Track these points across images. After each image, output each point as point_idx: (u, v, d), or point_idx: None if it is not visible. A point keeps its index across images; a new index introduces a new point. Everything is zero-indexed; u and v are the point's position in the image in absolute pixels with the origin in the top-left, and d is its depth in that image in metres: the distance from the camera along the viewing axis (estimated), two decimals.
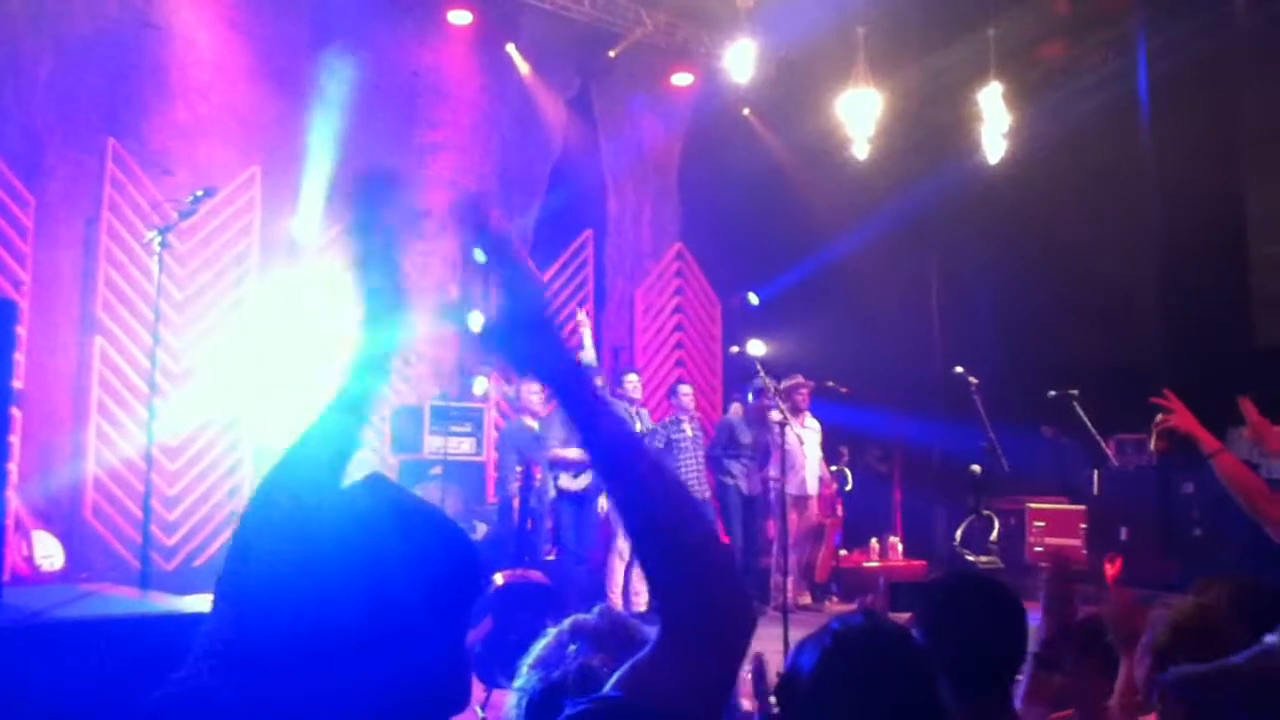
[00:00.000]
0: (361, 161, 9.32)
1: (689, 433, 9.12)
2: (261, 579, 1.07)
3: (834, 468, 9.67)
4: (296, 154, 9.07)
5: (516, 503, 7.78)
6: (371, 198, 1.56)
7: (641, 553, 1.22)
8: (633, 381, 9.04)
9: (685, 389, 9.51)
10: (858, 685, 1.54)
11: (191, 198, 6.60)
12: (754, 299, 11.67)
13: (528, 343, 1.36)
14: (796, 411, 9.30)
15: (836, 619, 1.65)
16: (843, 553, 10.62)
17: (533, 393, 8.42)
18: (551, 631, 1.42)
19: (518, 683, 1.39)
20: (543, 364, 1.35)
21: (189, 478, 8.49)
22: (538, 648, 1.41)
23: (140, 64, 8.54)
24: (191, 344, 8.57)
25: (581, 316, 9.50)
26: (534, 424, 8.36)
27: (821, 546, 9.43)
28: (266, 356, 8.67)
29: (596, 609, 1.45)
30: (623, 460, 1.25)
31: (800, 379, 9.37)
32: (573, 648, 1.37)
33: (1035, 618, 2.71)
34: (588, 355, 9.32)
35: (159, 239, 6.52)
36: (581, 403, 1.31)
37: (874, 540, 10.47)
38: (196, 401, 8.49)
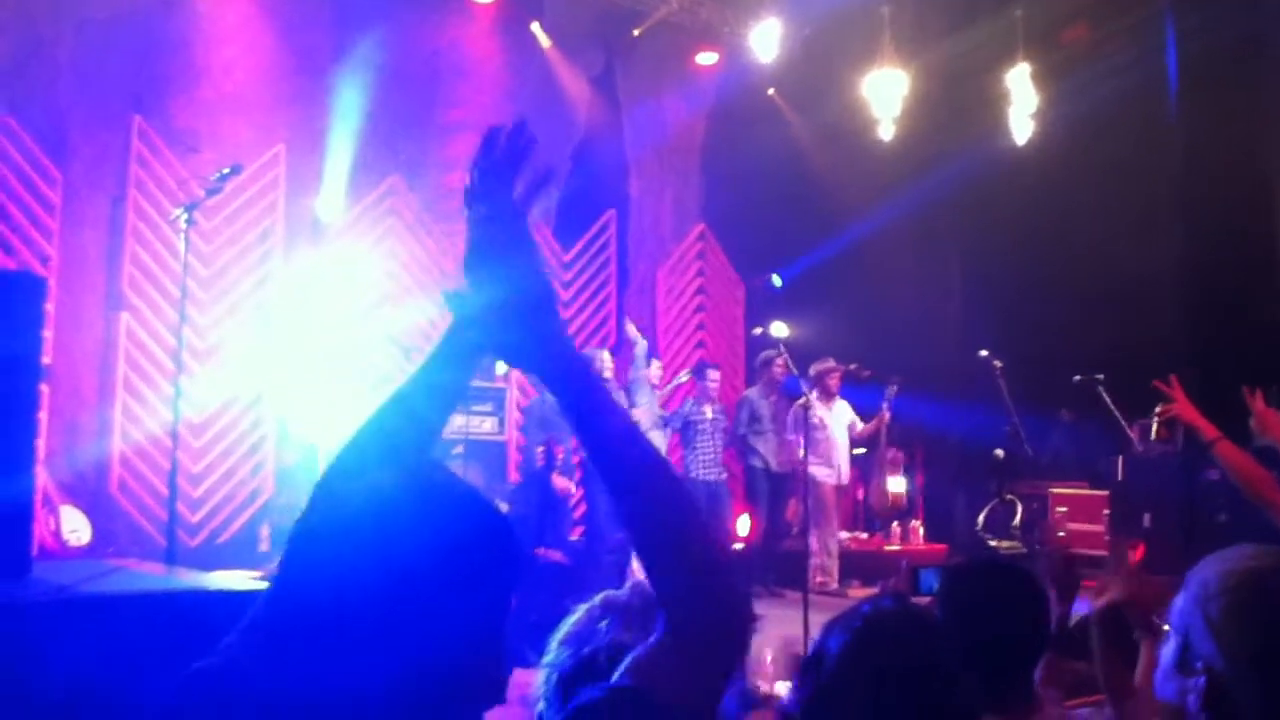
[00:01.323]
0: (383, 140, 9.35)
1: (709, 415, 9.11)
2: (291, 558, 1.07)
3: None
4: (320, 132, 9.10)
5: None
6: (506, 159, 1.39)
7: (644, 559, 1.19)
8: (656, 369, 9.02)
9: (714, 373, 9.49)
10: (887, 669, 1.54)
11: (218, 175, 6.64)
12: (777, 280, 11.63)
13: (525, 330, 1.24)
14: (828, 396, 9.28)
15: (866, 602, 1.65)
16: (864, 535, 10.63)
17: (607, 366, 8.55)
18: (582, 608, 1.41)
19: (547, 658, 1.39)
20: (540, 355, 1.25)
21: (214, 454, 8.56)
22: (568, 624, 1.41)
23: (165, 42, 8.56)
24: (216, 321, 8.63)
25: (632, 330, 9.52)
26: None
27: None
28: (291, 334, 8.72)
29: (628, 584, 1.45)
30: (626, 467, 1.20)
31: (832, 362, 9.31)
32: (604, 624, 1.37)
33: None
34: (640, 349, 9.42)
35: (185, 216, 6.56)
36: (581, 398, 1.24)
37: (895, 524, 10.45)
38: (221, 379, 8.55)
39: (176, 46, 8.61)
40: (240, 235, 8.82)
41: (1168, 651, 1.32)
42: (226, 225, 8.73)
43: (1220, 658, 1.21)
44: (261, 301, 8.82)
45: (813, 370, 9.12)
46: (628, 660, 1.15)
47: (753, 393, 9.54)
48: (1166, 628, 1.34)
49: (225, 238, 8.73)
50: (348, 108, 9.10)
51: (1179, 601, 1.30)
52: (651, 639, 1.14)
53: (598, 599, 1.42)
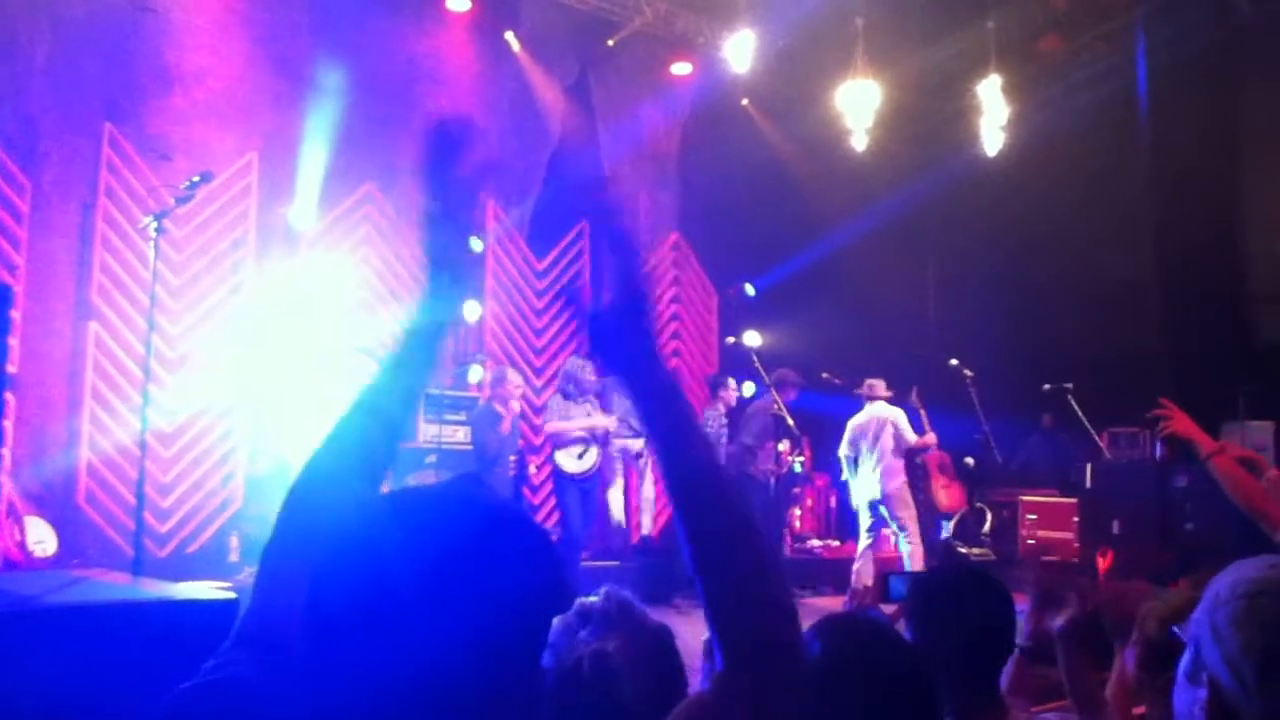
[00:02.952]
0: (357, 147, 9.31)
1: (713, 427, 9.11)
2: (273, 569, 1.04)
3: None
4: (294, 140, 9.05)
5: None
6: (445, 149, 1.40)
7: (711, 600, 1.15)
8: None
9: (732, 382, 9.49)
10: (847, 680, 1.55)
11: (188, 183, 6.58)
12: (751, 290, 11.67)
13: (629, 343, 1.23)
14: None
15: (825, 616, 1.66)
16: (835, 543, 10.66)
17: (516, 385, 8.47)
18: (557, 618, 1.38)
19: None
20: (640, 371, 1.23)
21: (183, 464, 8.48)
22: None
23: (138, 49, 8.50)
24: (187, 330, 8.56)
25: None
26: (501, 410, 8.31)
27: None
28: (262, 344, 8.66)
29: (602, 591, 1.43)
30: (707, 504, 1.15)
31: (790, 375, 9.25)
32: (584, 633, 1.35)
33: (1023, 610, 2.72)
34: None
35: (155, 224, 6.50)
36: (671, 424, 1.19)
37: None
38: (192, 388, 8.47)
39: (149, 53, 8.55)
40: (212, 244, 8.76)
41: (1183, 662, 1.31)
42: (198, 234, 8.67)
43: (1223, 667, 1.20)
44: (233, 311, 8.75)
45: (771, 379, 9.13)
46: (677, 711, 1.11)
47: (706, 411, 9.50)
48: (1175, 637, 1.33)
49: (196, 246, 8.66)
50: (322, 115, 9.06)
51: (1196, 611, 1.29)
52: (703, 690, 1.11)
53: (575, 608, 1.40)
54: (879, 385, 8.80)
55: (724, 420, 9.30)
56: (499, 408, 8.32)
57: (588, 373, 8.53)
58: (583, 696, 1.29)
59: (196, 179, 6.57)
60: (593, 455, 8.39)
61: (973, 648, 2.11)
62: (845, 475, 8.90)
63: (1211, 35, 9.47)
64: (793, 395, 9.07)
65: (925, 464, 9.79)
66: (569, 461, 8.38)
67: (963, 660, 2.10)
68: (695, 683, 3.04)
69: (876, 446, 8.42)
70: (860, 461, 8.49)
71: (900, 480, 8.39)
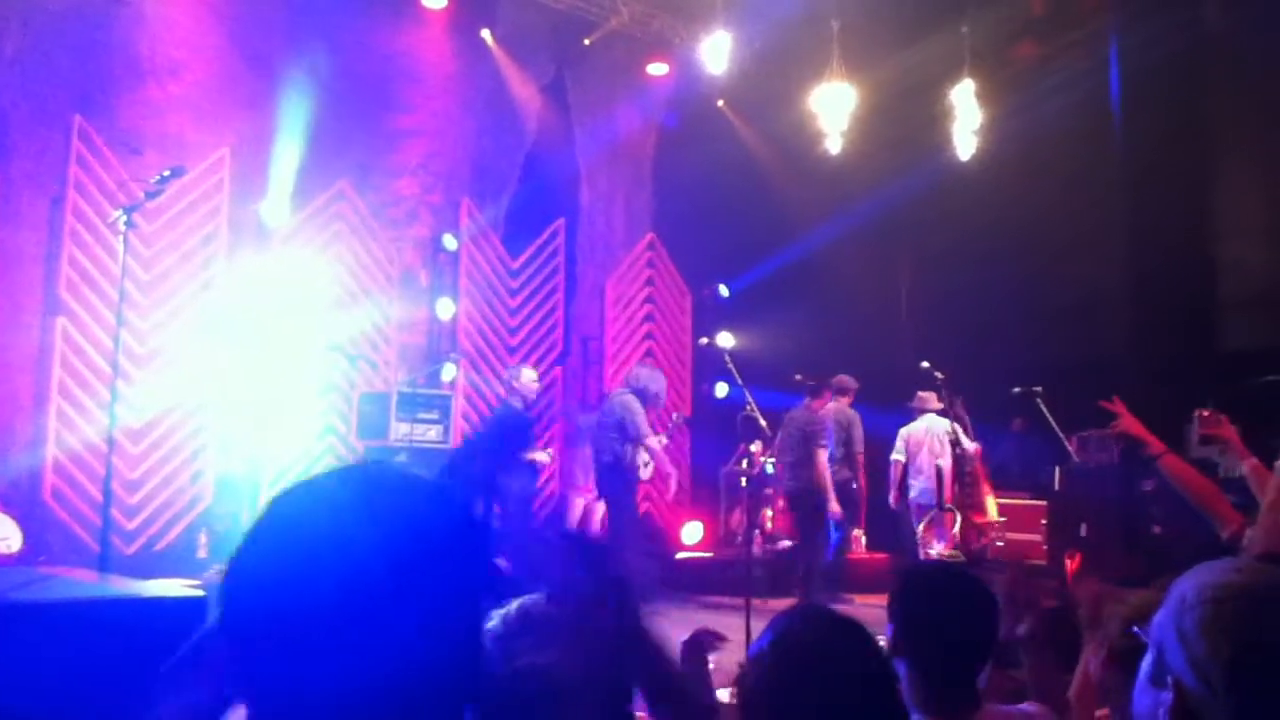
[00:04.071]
0: (331, 144, 9.25)
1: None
2: (242, 568, 1.02)
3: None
4: (267, 136, 8.99)
5: None
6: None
7: None
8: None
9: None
10: (817, 676, 1.56)
11: (159, 177, 6.54)
12: (725, 291, 11.70)
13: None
14: None
15: (782, 612, 1.68)
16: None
17: (533, 382, 8.61)
18: (498, 614, 1.33)
19: None
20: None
21: (151, 461, 8.41)
22: (486, 632, 1.33)
23: (110, 41, 8.42)
24: (157, 326, 8.48)
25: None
26: (518, 406, 8.44)
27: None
28: (233, 341, 8.60)
29: (545, 592, 1.38)
30: None
31: None
32: (523, 641, 1.29)
33: None
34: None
35: (125, 219, 6.44)
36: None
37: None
38: (161, 385, 8.40)
39: (121, 46, 8.47)
40: (183, 239, 8.69)
41: (1145, 664, 1.32)
42: (169, 229, 8.59)
43: (1189, 671, 1.21)
44: (204, 307, 8.68)
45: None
46: None
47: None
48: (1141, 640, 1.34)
49: (167, 242, 8.59)
50: (296, 111, 9.01)
51: (1159, 614, 1.30)
52: None
53: (514, 607, 1.34)
54: (931, 398, 9.28)
55: None
56: (516, 403, 8.42)
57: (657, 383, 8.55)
58: (521, 696, 1.24)
59: (168, 173, 6.53)
60: (651, 465, 8.52)
61: (953, 645, 2.13)
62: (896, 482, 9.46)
63: (1182, 43, 9.57)
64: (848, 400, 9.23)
65: (975, 474, 9.88)
66: (644, 470, 8.52)
67: (945, 659, 2.11)
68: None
69: (931, 457, 9.02)
70: (918, 470, 9.11)
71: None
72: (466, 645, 0.98)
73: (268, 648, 0.91)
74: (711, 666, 2.64)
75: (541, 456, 8.34)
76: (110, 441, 6.47)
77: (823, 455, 8.83)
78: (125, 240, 6.59)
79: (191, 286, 8.68)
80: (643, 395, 8.25)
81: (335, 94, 9.14)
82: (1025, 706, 2.32)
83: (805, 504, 8.83)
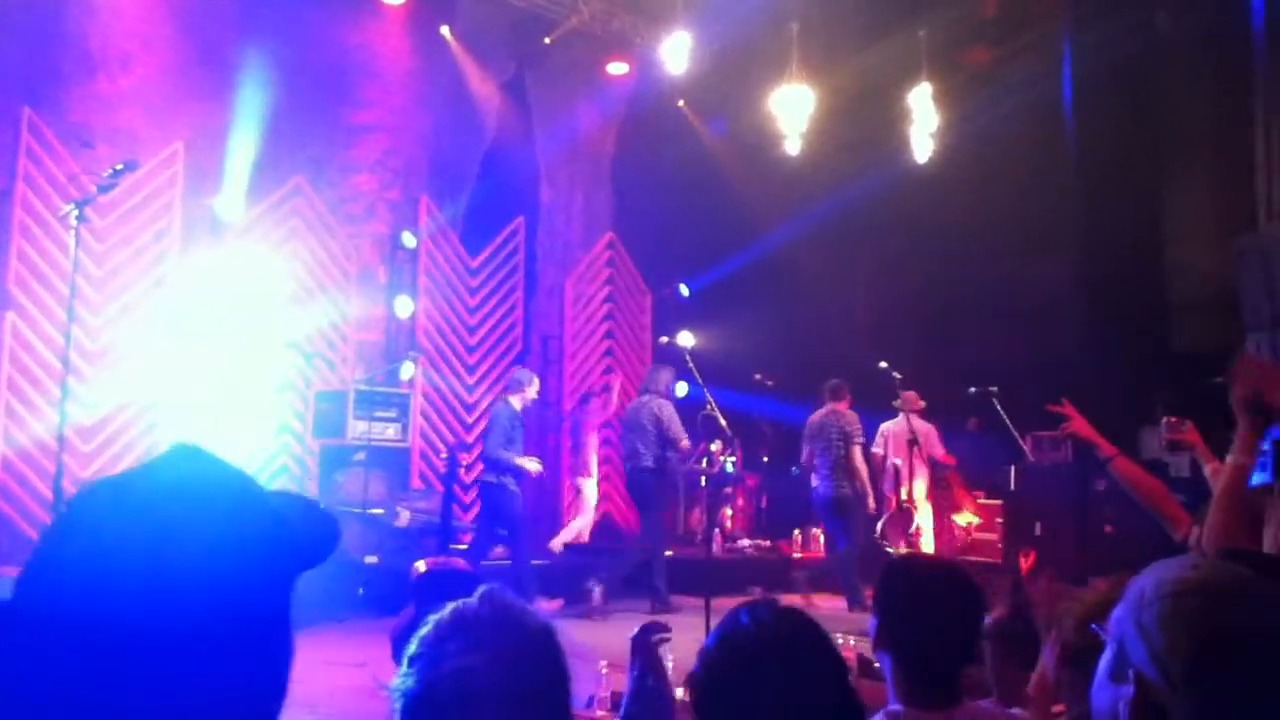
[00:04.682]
0: (287, 139, 9.15)
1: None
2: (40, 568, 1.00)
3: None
4: (222, 130, 8.87)
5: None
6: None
7: None
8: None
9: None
10: (769, 672, 1.57)
11: (111, 171, 6.43)
12: (685, 290, 11.73)
13: None
14: None
15: (741, 608, 1.68)
16: (765, 543, 10.75)
17: (533, 387, 8.58)
18: (432, 619, 1.31)
19: (395, 681, 1.27)
20: None
21: (104, 459, 8.27)
22: (416, 640, 1.28)
23: (59, 33, 8.27)
24: (109, 322, 8.35)
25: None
26: (516, 403, 8.37)
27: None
28: (187, 338, 8.48)
29: (479, 591, 1.35)
30: None
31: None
32: (451, 637, 1.26)
33: None
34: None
35: (76, 213, 6.34)
36: None
37: (796, 531, 10.60)
38: (113, 382, 8.27)
39: (72, 38, 8.33)
40: (135, 234, 8.55)
41: (1104, 660, 1.33)
42: (121, 224, 8.46)
43: (1150, 666, 1.22)
44: (157, 303, 8.55)
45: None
46: None
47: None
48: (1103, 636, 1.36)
49: (119, 236, 8.46)
50: (251, 105, 8.90)
51: (1117, 609, 1.31)
52: (629, 681, 1.09)
53: (446, 611, 1.32)
54: (914, 398, 9.44)
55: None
56: (515, 403, 8.36)
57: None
58: (445, 704, 1.22)
59: (120, 167, 6.42)
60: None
61: (937, 640, 2.14)
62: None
63: (1133, 47, 9.73)
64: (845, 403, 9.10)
65: (949, 479, 10.00)
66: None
67: (927, 652, 2.13)
68: (602, 676, 3.05)
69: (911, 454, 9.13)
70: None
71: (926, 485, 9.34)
72: (270, 649, 0.98)
73: (63, 652, 0.91)
74: (670, 664, 2.65)
75: (532, 465, 8.26)
76: (61, 439, 6.37)
77: (860, 454, 8.78)
78: (76, 235, 6.48)
79: (144, 282, 8.55)
80: (672, 398, 8.47)
81: (291, 88, 9.03)
82: (1015, 712, 2.33)
83: (848, 506, 8.67)
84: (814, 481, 8.86)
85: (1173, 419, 3.53)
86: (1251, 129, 7.86)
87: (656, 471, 8.35)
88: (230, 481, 1.03)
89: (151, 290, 8.57)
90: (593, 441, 10.06)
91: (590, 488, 9.99)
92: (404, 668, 1.27)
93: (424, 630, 1.28)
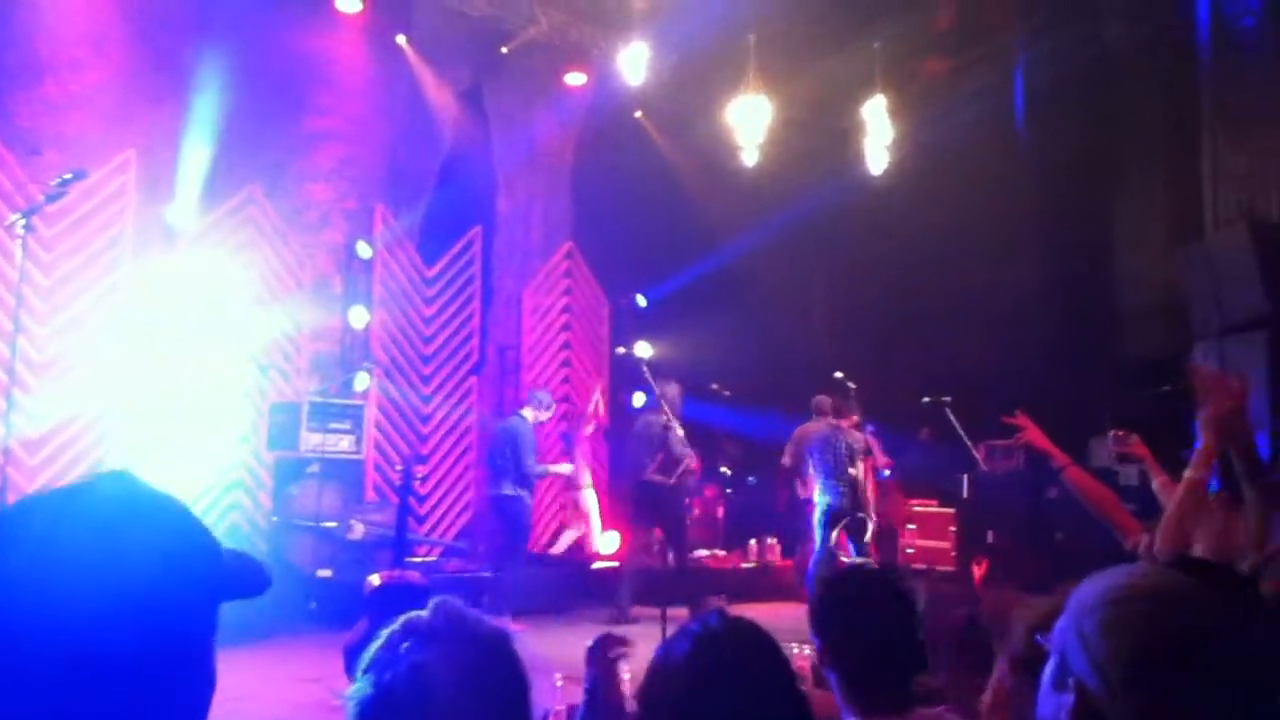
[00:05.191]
0: (241, 147, 9.05)
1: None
2: None
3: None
4: (174, 138, 8.76)
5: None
6: None
7: None
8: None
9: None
10: (719, 683, 1.57)
11: (59, 179, 6.31)
12: (642, 301, 11.73)
13: None
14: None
15: (695, 620, 1.68)
16: (721, 553, 10.76)
17: (550, 413, 9.03)
18: (384, 632, 1.30)
19: (350, 691, 1.26)
20: None
21: (50, 473, 8.09)
22: (370, 651, 1.27)
23: (7, 36, 8.12)
24: (57, 333, 8.19)
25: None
26: (530, 417, 8.68)
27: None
28: (138, 349, 8.35)
29: (432, 602, 1.35)
30: None
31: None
32: (406, 646, 1.26)
33: None
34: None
35: (23, 222, 6.22)
36: None
37: (752, 541, 10.63)
38: (61, 394, 8.11)
39: (19, 41, 8.18)
40: (85, 243, 8.41)
41: (1047, 670, 1.34)
42: (70, 233, 8.31)
43: (1091, 673, 1.24)
44: (107, 313, 8.41)
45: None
46: None
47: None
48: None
49: (69, 246, 8.30)
50: (205, 112, 8.79)
51: (1060, 619, 1.33)
52: (585, 687, 1.09)
53: (398, 622, 1.31)
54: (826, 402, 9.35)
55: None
56: (529, 417, 8.66)
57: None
58: (401, 712, 1.22)
59: (69, 175, 6.30)
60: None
61: (877, 647, 2.15)
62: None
63: (1085, 59, 9.88)
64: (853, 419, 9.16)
65: (886, 485, 10.05)
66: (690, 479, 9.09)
67: (871, 664, 2.14)
68: (557, 688, 3.03)
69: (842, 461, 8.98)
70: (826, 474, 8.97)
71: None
72: (194, 673, 0.99)
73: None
74: (627, 676, 2.64)
75: (562, 468, 8.93)
76: (5, 452, 6.24)
77: (866, 468, 8.96)
78: (24, 244, 6.36)
79: (94, 292, 8.41)
80: (675, 411, 8.58)
81: (246, 95, 8.93)
82: (940, 710, 2.35)
83: (858, 518, 8.79)
84: (808, 493, 9.03)
85: (1119, 432, 3.59)
86: (1199, 140, 8.00)
87: (673, 486, 8.62)
88: (159, 504, 1.02)
89: (102, 300, 8.43)
90: (584, 454, 10.33)
91: (588, 499, 10.26)
92: (358, 678, 1.26)
93: (375, 644, 1.27)
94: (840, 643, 2.16)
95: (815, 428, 9.08)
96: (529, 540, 8.65)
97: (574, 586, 9.36)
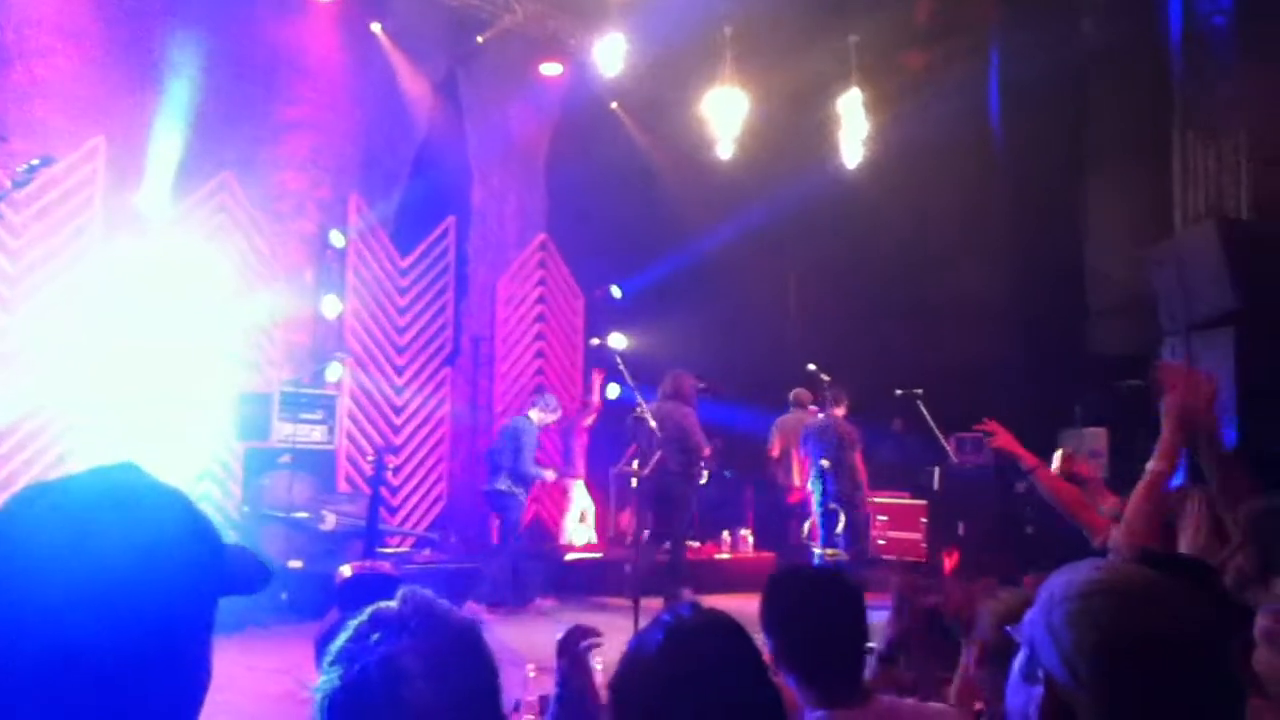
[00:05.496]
0: (213, 135, 8.97)
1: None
2: None
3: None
4: (145, 125, 8.66)
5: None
6: None
7: None
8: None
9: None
10: (692, 674, 1.58)
11: (26, 167, 6.24)
12: (617, 292, 11.72)
13: None
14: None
15: (666, 612, 1.69)
16: (694, 544, 10.79)
17: (556, 415, 9.16)
18: (351, 624, 1.30)
19: (316, 684, 1.24)
20: None
21: (15, 464, 8.01)
22: (336, 643, 1.26)
23: None
24: (23, 322, 8.09)
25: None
26: (535, 418, 8.87)
27: None
28: (107, 338, 8.26)
29: (400, 593, 1.34)
30: None
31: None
32: (375, 637, 1.25)
33: (881, 612, 2.82)
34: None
35: None
36: None
37: (725, 533, 10.66)
38: (27, 384, 8.02)
39: None
40: (52, 231, 8.30)
41: (1017, 662, 1.36)
42: (37, 220, 8.20)
43: (1059, 665, 1.25)
44: (75, 302, 8.31)
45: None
46: None
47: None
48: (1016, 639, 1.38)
49: (35, 234, 8.20)
50: (177, 100, 8.70)
51: (1030, 612, 1.34)
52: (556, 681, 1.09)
53: (366, 613, 1.30)
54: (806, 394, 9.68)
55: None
56: (535, 418, 8.85)
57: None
58: (369, 704, 1.21)
59: (36, 162, 6.24)
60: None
61: (825, 640, 2.18)
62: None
63: (1058, 57, 9.94)
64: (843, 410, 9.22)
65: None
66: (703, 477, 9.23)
67: (817, 656, 2.16)
68: (529, 679, 3.04)
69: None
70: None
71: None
72: (190, 664, 0.99)
73: None
74: (599, 666, 2.64)
75: (548, 474, 8.90)
76: None
77: (860, 459, 9.07)
78: None
79: (61, 281, 8.30)
80: (695, 406, 8.83)
81: (218, 83, 8.85)
82: (931, 705, 2.37)
83: (830, 509, 8.91)
84: (801, 481, 9.30)
85: (1069, 451, 3.70)
86: (1169, 138, 8.07)
87: (682, 475, 8.65)
88: (163, 496, 1.02)
89: (70, 289, 8.33)
90: (581, 444, 10.44)
91: (578, 489, 10.40)
92: (325, 670, 1.25)
93: (342, 636, 1.27)
94: (787, 641, 2.19)
95: (800, 418, 9.20)
96: (518, 535, 8.78)
97: (554, 578, 9.34)
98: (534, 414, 8.90)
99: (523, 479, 8.63)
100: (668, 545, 8.75)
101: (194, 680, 0.99)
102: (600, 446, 11.03)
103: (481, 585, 8.22)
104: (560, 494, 10.54)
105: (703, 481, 9.15)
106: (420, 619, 1.26)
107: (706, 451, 8.87)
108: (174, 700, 0.97)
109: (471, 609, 7.77)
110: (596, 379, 10.71)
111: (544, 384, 11.35)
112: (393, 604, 1.29)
